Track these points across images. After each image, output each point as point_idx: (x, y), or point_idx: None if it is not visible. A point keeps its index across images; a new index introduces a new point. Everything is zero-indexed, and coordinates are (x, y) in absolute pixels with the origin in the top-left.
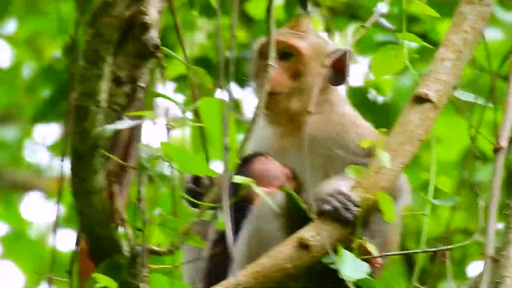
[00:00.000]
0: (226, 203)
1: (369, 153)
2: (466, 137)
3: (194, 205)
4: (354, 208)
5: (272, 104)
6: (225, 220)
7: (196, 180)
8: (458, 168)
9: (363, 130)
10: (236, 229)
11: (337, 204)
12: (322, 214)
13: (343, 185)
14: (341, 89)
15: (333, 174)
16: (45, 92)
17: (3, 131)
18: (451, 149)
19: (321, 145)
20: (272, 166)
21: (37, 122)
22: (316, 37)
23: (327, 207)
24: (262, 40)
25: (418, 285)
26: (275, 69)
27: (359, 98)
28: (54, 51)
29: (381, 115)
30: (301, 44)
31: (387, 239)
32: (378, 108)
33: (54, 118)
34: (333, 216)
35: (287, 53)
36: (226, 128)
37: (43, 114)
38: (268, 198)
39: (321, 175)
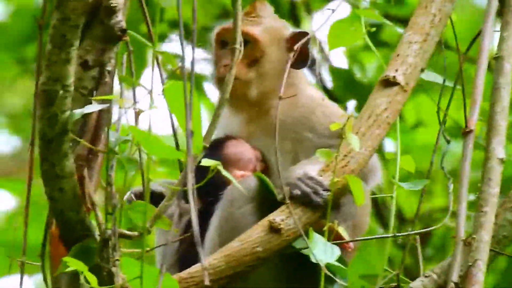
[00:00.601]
0: (191, 186)
1: (338, 135)
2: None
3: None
4: (324, 193)
5: (232, 92)
6: (190, 205)
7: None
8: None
9: (330, 111)
10: (210, 213)
11: (306, 189)
12: (292, 198)
13: (312, 169)
14: (304, 71)
15: (303, 157)
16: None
17: None
18: (430, 132)
19: (289, 129)
20: (244, 149)
21: None
22: (273, 21)
23: (296, 192)
24: (219, 27)
25: (388, 269)
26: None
27: (344, 79)
28: None
29: (366, 96)
30: (256, 31)
31: (358, 220)
32: (363, 88)
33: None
34: (303, 201)
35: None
36: (189, 111)
37: None
38: (238, 182)
39: (290, 159)
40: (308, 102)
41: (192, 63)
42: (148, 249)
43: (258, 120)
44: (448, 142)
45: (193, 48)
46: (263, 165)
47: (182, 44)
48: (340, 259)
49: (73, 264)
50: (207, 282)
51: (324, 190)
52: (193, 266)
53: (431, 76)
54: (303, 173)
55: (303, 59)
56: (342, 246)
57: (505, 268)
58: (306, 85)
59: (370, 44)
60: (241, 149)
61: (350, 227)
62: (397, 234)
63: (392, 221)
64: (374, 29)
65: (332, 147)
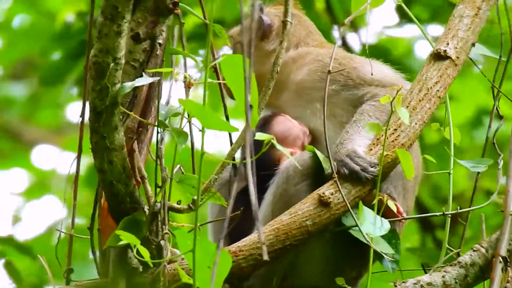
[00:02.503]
0: (249, 159)
1: (365, 82)
2: (481, 95)
3: None
4: (372, 169)
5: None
6: (248, 177)
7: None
8: (473, 127)
9: (344, 60)
10: (261, 188)
11: (355, 167)
12: (339, 175)
13: (360, 144)
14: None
15: (339, 115)
16: (55, 56)
17: (13, 87)
18: (466, 107)
19: (311, 88)
20: (291, 126)
21: (45, 86)
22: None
23: (344, 170)
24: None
25: (450, 247)
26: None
27: (373, 54)
28: (67, 15)
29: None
30: (230, 32)
31: (407, 187)
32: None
33: (62, 82)
34: (352, 178)
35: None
36: (248, 84)
37: (52, 78)
38: (293, 158)
39: (327, 121)
40: (314, 57)
41: (251, 34)
42: (200, 224)
43: (284, 97)
44: (501, 118)
45: (252, 18)
46: (311, 138)
47: (241, 14)
48: (392, 231)
49: (125, 237)
50: (266, 257)
51: (372, 167)
52: (242, 240)
53: (483, 50)
54: (352, 150)
55: (263, 31)
56: (393, 217)
57: None
58: (310, 43)
59: (404, 6)
60: (288, 126)
61: (400, 194)
62: (446, 213)
63: (450, 198)
64: None
65: (363, 97)
